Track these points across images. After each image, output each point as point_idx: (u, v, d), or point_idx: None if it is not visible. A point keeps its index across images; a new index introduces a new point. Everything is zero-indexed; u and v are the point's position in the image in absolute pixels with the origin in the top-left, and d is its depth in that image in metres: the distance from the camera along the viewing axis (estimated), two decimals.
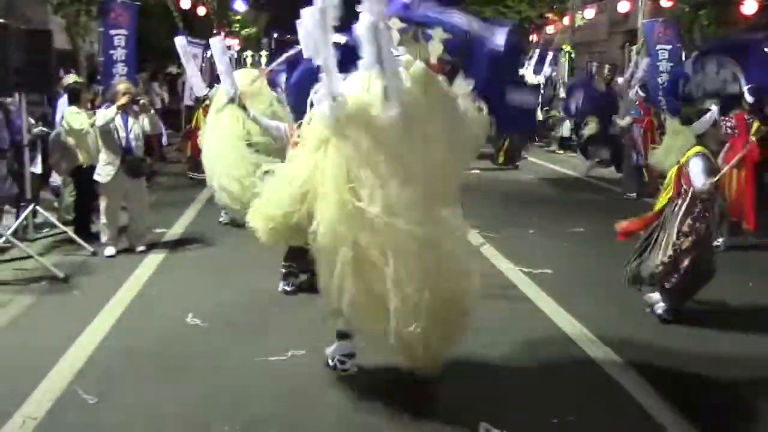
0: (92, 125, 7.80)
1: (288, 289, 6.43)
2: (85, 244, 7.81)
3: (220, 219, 9.28)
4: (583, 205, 11.23)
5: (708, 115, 5.70)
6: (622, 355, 5.13)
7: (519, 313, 6.12)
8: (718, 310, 6.09)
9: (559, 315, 5.97)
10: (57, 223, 8.28)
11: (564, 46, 24.51)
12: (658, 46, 12.15)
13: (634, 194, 11.47)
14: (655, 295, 5.88)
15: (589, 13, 25.31)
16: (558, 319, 5.88)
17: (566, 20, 25.35)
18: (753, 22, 14.85)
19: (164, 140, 14.47)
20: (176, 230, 9.05)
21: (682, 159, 5.69)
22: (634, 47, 18.40)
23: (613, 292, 6.29)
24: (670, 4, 15.45)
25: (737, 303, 6.25)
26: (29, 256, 7.28)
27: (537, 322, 5.87)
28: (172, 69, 22.13)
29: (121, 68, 10.75)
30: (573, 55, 24.31)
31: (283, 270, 6.43)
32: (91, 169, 7.84)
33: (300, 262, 6.02)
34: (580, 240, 8.80)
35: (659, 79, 11.69)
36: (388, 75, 4.01)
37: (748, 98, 9.21)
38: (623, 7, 21.02)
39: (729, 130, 7.76)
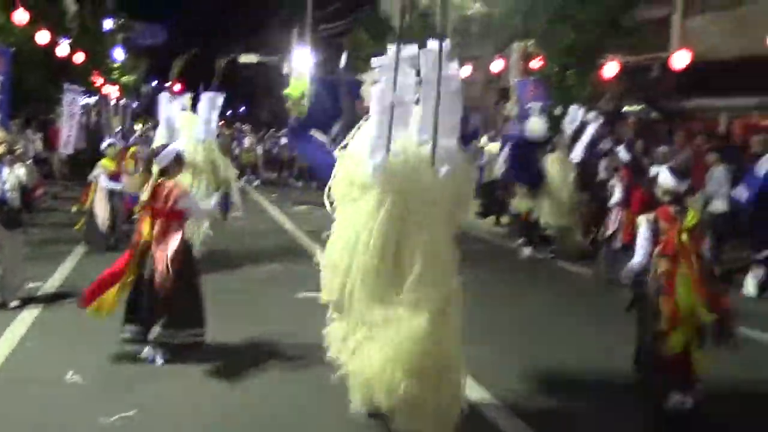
0: None
1: (161, 361, 5.98)
2: None
3: None
4: (466, 255, 11.61)
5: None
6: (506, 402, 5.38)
7: None
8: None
9: None
10: None
11: None
12: (529, 104, 12.96)
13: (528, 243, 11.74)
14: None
15: (465, 70, 26.50)
16: None
17: None
18: (614, 83, 16.14)
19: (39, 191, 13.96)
20: (53, 283, 8.71)
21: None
22: (507, 104, 19.49)
23: (497, 339, 6.59)
24: (539, 64, 16.49)
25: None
26: None
27: None
28: (51, 116, 21.47)
29: None
30: None
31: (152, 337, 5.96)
32: None
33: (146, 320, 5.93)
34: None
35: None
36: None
37: (623, 156, 9.96)
38: (496, 66, 22.19)
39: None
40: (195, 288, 6.12)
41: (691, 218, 5.21)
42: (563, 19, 14.58)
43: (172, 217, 5.98)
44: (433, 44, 4.25)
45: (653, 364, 5.27)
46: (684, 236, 5.14)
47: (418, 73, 4.38)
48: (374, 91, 4.31)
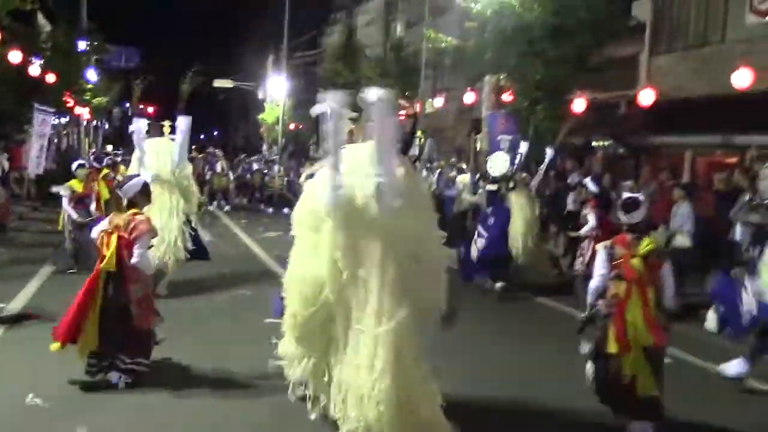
0: None
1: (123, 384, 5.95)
2: None
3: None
4: None
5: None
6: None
7: None
8: None
9: None
10: None
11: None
12: (500, 136, 13.17)
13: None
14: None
15: (438, 101, 26.89)
16: None
17: (417, 107, 26.70)
18: (582, 118, 16.46)
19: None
20: (16, 305, 8.60)
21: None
22: (479, 135, 19.77)
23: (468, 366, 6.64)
24: (510, 98, 16.77)
25: None
26: None
27: None
28: (20, 137, 21.33)
29: None
30: (423, 140, 25.61)
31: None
32: None
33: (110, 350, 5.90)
34: None
35: None
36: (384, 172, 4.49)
37: (591, 187, 10.12)
38: (469, 99, 22.52)
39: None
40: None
41: (645, 245, 5.42)
42: (534, 55, 14.87)
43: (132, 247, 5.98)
44: (374, 92, 4.46)
45: (606, 385, 5.46)
46: (636, 261, 5.35)
47: None
48: (327, 130, 4.54)
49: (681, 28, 16.92)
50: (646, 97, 15.61)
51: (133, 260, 5.89)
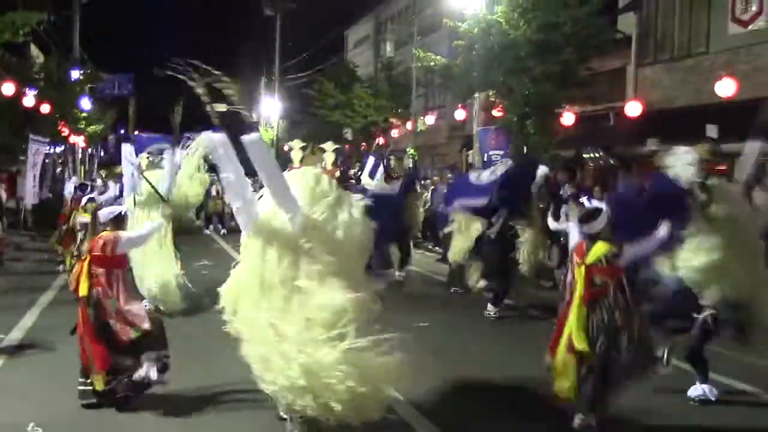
0: None
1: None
2: None
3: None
4: (428, 299, 11.81)
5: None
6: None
7: None
8: None
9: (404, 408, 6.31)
10: None
11: (409, 149, 26.05)
12: (491, 152, 13.32)
13: (461, 289, 11.79)
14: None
15: (430, 119, 27.16)
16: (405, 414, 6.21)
17: (409, 125, 26.93)
18: (571, 132, 16.65)
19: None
20: (15, 335, 8.66)
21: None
22: (470, 151, 19.95)
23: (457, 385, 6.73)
24: (500, 114, 16.96)
25: None
26: None
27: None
28: (14, 168, 21.44)
29: None
30: (416, 157, 25.83)
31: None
32: None
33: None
34: (426, 333, 9.25)
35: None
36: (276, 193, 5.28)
37: (587, 204, 10.15)
38: (460, 115, 22.76)
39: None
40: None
41: (592, 253, 5.57)
42: (521, 71, 15.07)
43: (114, 265, 6.18)
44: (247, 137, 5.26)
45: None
46: (581, 269, 5.55)
47: None
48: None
49: (666, 40, 17.16)
50: (633, 108, 15.83)
51: (127, 260, 6.35)
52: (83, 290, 6.04)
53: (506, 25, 14.96)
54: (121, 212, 6.54)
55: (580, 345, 5.41)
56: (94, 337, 6.01)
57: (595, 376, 5.46)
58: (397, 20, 34.49)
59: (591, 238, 5.67)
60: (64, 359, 7.67)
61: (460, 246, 11.11)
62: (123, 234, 6.33)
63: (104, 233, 6.26)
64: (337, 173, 6.46)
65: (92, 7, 29.55)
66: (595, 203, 10.33)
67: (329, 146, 6.28)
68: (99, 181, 17.59)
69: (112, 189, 13.23)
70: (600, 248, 5.57)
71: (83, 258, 6.22)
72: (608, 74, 17.81)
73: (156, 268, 9.70)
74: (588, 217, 5.76)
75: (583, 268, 5.54)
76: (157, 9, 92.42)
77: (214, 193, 24.17)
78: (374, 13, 37.76)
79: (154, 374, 6.06)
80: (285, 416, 5.46)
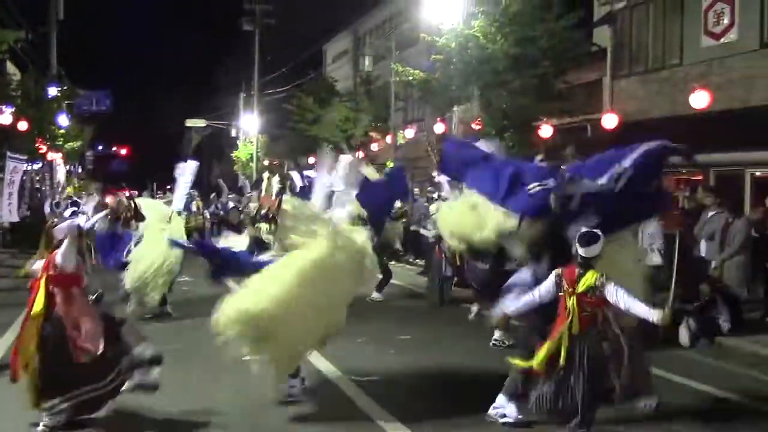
0: None
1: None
2: None
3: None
4: (410, 313, 11.85)
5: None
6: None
7: (349, 420, 6.44)
8: None
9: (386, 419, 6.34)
10: None
11: (388, 163, 26.13)
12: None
13: (438, 303, 11.87)
14: None
15: (409, 132, 27.28)
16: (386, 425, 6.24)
17: (389, 139, 27.04)
18: (549, 144, 16.80)
19: None
20: None
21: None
22: None
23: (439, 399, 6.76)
24: (478, 127, 17.09)
25: None
26: None
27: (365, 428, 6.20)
28: None
29: None
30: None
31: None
32: None
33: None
34: (407, 347, 9.30)
35: None
36: None
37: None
38: (439, 129, 22.89)
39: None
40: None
41: (584, 282, 5.43)
42: (499, 84, 15.21)
43: (68, 283, 5.95)
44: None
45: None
46: (571, 301, 5.42)
47: None
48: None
49: (641, 52, 17.40)
50: (610, 120, 16.02)
51: (81, 275, 6.08)
52: (38, 307, 5.81)
53: (483, 39, 15.11)
54: (78, 225, 6.15)
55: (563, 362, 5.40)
56: (43, 356, 5.77)
57: (585, 398, 5.36)
58: (375, 35, 34.69)
59: (584, 265, 5.48)
60: None
61: None
62: (56, 253, 5.99)
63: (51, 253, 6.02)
64: (277, 203, 6.66)
65: (69, 24, 29.48)
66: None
67: (275, 180, 7.03)
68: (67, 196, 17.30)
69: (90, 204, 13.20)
70: (591, 277, 5.44)
71: (38, 277, 5.94)
72: (585, 87, 18.02)
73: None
74: (590, 239, 5.46)
75: (574, 297, 5.42)
76: (134, 25, 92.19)
77: (194, 208, 24.12)
78: (352, 28, 37.94)
79: (137, 379, 5.97)
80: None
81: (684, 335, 9.84)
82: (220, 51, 56.96)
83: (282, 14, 37.21)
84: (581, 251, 5.46)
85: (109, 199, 13.35)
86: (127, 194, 13.43)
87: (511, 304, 5.86)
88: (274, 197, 6.81)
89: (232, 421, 6.32)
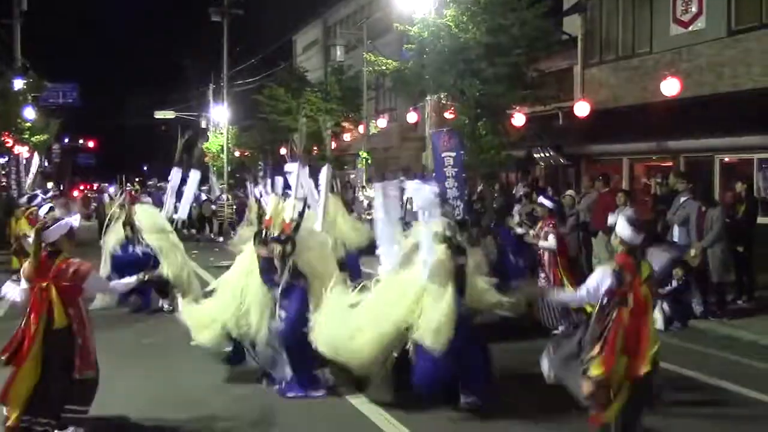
0: None
1: None
2: None
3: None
4: None
5: None
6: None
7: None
8: None
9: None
10: None
11: (361, 153, 26.11)
12: (444, 153, 13.39)
13: None
14: None
15: (382, 122, 27.25)
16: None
17: (361, 128, 27.00)
18: (522, 132, 16.92)
19: None
20: None
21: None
22: (424, 153, 20.07)
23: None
24: (452, 116, 17.12)
25: None
26: None
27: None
28: None
29: None
30: (370, 161, 25.91)
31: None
32: None
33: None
34: None
35: (446, 183, 12.85)
36: None
37: (547, 203, 10.27)
38: (412, 118, 22.91)
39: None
40: None
41: (645, 270, 5.14)
42: (471, 73, 15.24)
43: (76, 293, 5.58)
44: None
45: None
46: (644, 288, 5.05)
47: None
48: None
49: (611, 40, 17.57)
50: (582, 108, 16.18)
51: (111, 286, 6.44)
52: (60, 322, 5.39)
53: (456, 29, 15.11)
54: (72, 225, 5.71)
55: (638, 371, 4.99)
56: (38, 371, 5.39)
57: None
58: (345, 24, 34.54)
59: (632, 251, 5.12)
60: None
61: None
62: (95, 274, 5.76)
63: (71, 260, 5.58)
64: (292, 226, 7.04)
65: (33, 16, 28.90)
66: (547, 201, 10.44)
67: (288, 205, 7.22)
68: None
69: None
70: (647, 266, 5.18)
71: (45, 288, 5.42)
72: (556, 75, 18.15)
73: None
74: (640, 225, 5.15)
75: (645, 286, 5.06)
76: (101, 16, 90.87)
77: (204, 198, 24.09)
78: (322, 18, 37.74)
79: None
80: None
81: (658, 319, 10.02)
82: (189, 42, 56.39)
83: (250, 4, 36.89)
84: (631, 237, 5.12)
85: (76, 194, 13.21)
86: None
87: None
88: (288, 221, 7.10)
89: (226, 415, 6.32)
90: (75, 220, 5.87)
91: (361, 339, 6.26)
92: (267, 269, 7.00)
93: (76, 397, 5.51)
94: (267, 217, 7.32)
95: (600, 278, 5.20)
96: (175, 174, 11.81)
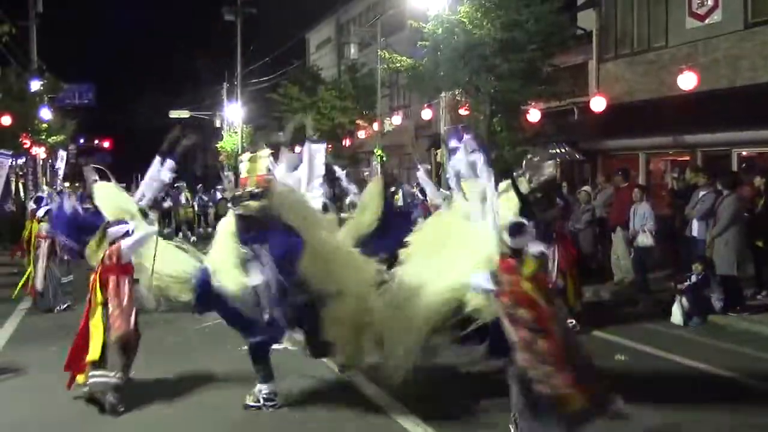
0: None
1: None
2: None
3: None
4: None
5: None
6: None
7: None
8: None
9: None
10: None
11: (376, 150, 26.12)
12: (470, 158, 13.36)
13: None
14: None
15: (396, 119, 27.24)
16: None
17: (376, 126, 27.01)
18: (537, 128, 16.86)
19: None
20: None
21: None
22: (438, 151, 20.06)
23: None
24: (466, 113, 17.09)
25: None
26: None
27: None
28: None
29: None
30: (384, 158, 25.93)
31: None
32: None
33: None
34: None
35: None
36: None
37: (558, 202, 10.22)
38: (426, 115, 22.89)
39: None
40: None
41: (528, 266, 5.25)
42: (486, 69, 15.21)
43: (123, 272, 6.69)
44: None
45: None
46: (526, 284, 5.16)
47: None
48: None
49: (626, 34, 17.44)
50: (597, 103, 16.10)
51: (132, 265, 6.84)
52: (98, 298, 6.54)
53: (470, 25, 15.09)
54: (128, 231, 6.90)
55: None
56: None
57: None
58: (359, 22, 34.52)
59: (515, 254, 5.32)
60: (36, 371, 7.63)
61: None
62: (123, 243, 6.74)
63: (110, 247, 6.74)
64: (269, 178, 6.49)
65: (49, 18, 29.09)
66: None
67: (263, 153, 6.62)
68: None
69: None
70: (532, 263, 5.33)
71: (96, 270, 6.69)
72: (571, 70, 18.06)
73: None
74: (515, 231, 5.33)
75: (527, 282, 5.22)
76: (115, 16, 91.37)
77: (183, 200, 24.06)
78: (335, 16, 37.74)
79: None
80: None
81: (677, 314, 9.97)
82: (202, 42, 56.57)
83: (263, 3, 36.99)
84: (509, 241, 5.35)
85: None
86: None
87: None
88: (261, 174, 6.52)
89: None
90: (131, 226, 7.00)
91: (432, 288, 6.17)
92: (243, 228, 6.44)
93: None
94: (242, 176, 6.74)
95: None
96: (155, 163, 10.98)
